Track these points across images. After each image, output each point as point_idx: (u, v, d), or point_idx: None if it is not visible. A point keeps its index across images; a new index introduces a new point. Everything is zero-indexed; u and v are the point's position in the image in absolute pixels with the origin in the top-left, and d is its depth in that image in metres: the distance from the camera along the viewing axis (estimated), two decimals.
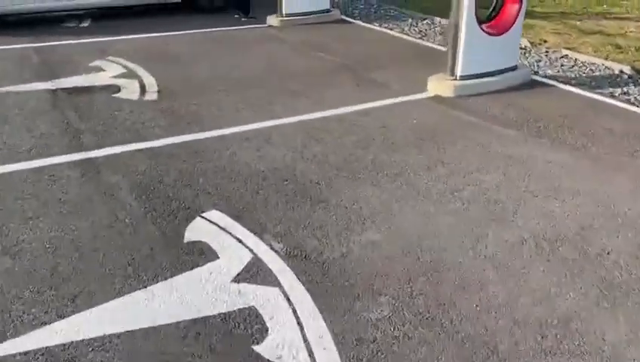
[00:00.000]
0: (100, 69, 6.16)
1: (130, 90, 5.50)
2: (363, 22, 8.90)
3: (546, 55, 7.10)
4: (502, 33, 5.65)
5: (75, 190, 3.64)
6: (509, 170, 4.00)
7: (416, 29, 8.48)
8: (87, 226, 3.24)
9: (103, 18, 8.73)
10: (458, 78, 5.55)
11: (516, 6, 5.68)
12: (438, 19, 8.97)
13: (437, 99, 5.45)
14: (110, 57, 6.60)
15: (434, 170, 3.98)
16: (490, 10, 5.78)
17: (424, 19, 9.10)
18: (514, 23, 5.69)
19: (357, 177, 3.87)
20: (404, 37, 8.00)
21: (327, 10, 8.91)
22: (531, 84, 5.93)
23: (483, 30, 5.49)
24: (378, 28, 8.54)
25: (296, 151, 4.25)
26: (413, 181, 3.83)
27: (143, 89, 5.56)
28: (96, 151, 4.20)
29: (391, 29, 8.43)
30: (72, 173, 3.87)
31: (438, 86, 5.59)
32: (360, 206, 3.51)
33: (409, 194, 3.65)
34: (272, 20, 8.57)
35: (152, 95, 5.41)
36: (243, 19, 8.87)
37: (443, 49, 7.30)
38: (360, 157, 4.18)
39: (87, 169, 3.93)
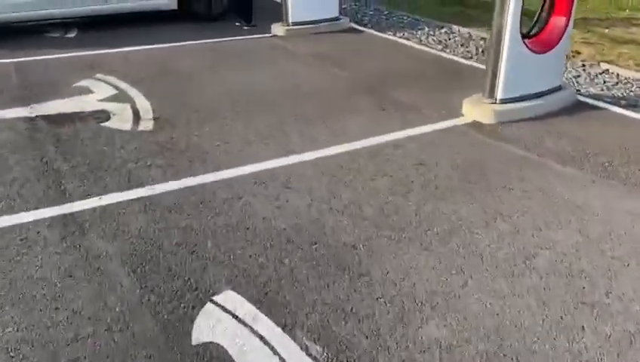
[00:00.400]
0: (87, 91, 5.41)
1: (121, 118, 4.76)
2: (375, 30, 8.18)
3: (584, 70, 6.40)
4: (547, 50, 4.94)
5: (52, 261, 2.90)
6: (584, 225, 3.29)
7: (434, 38, 7.77)
8: (65, 321, 2.50)
9: (91, 27, 7.97)
10: (498, 101, 4.84)
11: (563, 19, 4.97)
12: (456, 27, 8.26)
13: (476, 126, 4.74)
14: (99, 75, 5.85)
15: (494, 227, 3.26)
16: (533, 23, 5.08)
17: (441, 27, 8.38)
18: (560, 38, 4.98)
19: (401, 237, 3.15)
20: (424, 48, 7.28)
21: (337, 19, 8.18)
22: (577, 106, 5.22)
23: (527, 47, 4.78)
24: (393, 37, 7.82)
25: (322, 200, 3.52)
26: (471, 242, 3.11)
27: (136, 115, 4.82)
28: (80, 202, 3.46)
29: (407, 39, 7.71)
30: (49, 234, 3.13)
31: (476, 110, 4.88)
32: (412, 282, 2.79)
33: (471, 263, 2.93)
34: (278, 29, 7.83)
35: (147, 123, 4.67)
36: (245, 27, 8.13)
37: (469, 63, 6.61)
38: (400, 207, 3.46)
39: (69, 229, 3.19)
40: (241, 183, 3.73)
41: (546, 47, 4.95)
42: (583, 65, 6.55)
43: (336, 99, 5.34)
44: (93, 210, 3.38)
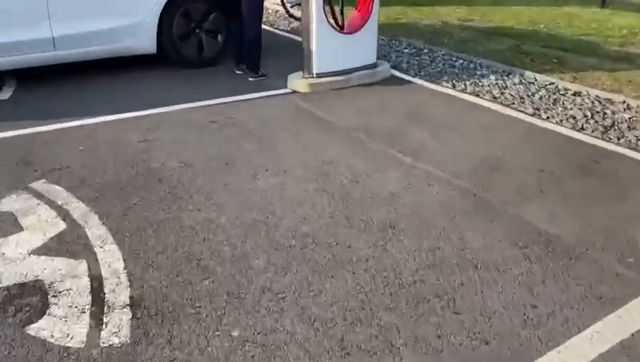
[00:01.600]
0: (9, 227, 3.16)
1: (69, 307, 2.53)
2: (426, 81, 6.08)
3: None
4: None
5: None
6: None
7: (510, 92, 5.70)
8: None
9: (37, 81, 5.67)
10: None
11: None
12: (530, 74, 6.23)
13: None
14: (37, 184, 3.61)
15: None
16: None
17: (508, 73, 6.34)
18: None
19: None
20: (510, 112, 5.19)
21: (374, 65, 6.06)
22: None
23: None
24: (454, 92, 5.73)
25: None
26: None
27: (98, 300, 2.59)
28: None
29: (476, 95, 5.63)
30: None
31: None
32: None
33: None
34: (297, 83, 5.67)
35: (116, 321, 2.45)
36: (251, 79, 5.93)
37: (595, 142, 4.53)
38: None
39: None
40: None
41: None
42: None
43: (448, 246, 3.16)
44: None
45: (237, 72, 6.14)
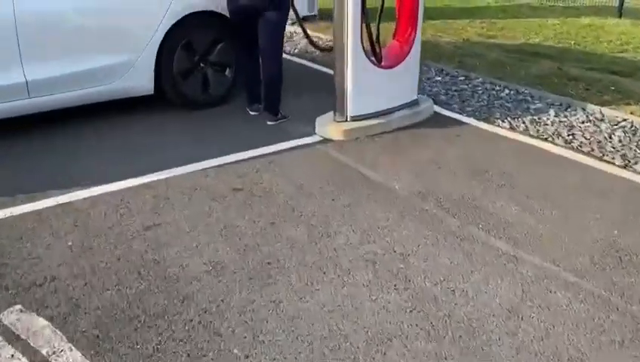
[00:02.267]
0: None
1: None
2: (476, 119, 5.12)
3: None
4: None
5: None
6: None
7: (585, 135, 4.77)
8: None
9: (12, 133, 4.53)
10: None
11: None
12: (594, 107, 5.33)
13: None
14: (9, 315, 2.54)
15: None
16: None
17: (567, 106, 5.43)
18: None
19: None
20: (598, 165, 4.25)
21: (415, 103, 5.09)
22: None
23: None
24: (517, 135, 4.78)
25: None
26: None
27: None
28: None
29: (545, 138, 4.70)
30: None
31: None
32: None
33: None
34: (329, 129, 4.65)
35: None
36: (270, 122, 4.90)
37: None
38: None
39: None
40: None
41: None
42: None
43: None
44: None
45: (251, 112, 5.11)
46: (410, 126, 4.88)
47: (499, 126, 4.99)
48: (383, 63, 4.73)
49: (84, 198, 3.58)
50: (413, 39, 4.82)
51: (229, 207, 3.53)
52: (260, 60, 4.76)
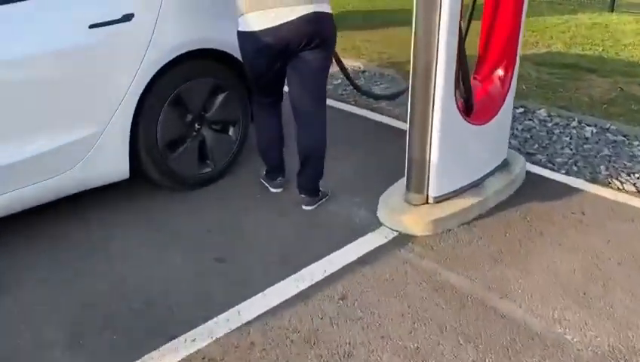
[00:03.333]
0: None
1: None
2: (585, 180, 3.71)
3: None
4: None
5: None
6: None
7: None
8: None
9: None
10: None
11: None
12: None
13: None
14: None
15: None
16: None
17: None
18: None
19: None
20: None
21: (506, 164, 3.61)
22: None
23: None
24: None
25: None
26: None
27: None
28: None
29: None
30: None
31: None
32: None
33: None
34: (403, 218, 3.08)
35: None
36: (308, 207, 3.28)
37: None
38: None
39: None
40: None
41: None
42: None
43: None
44: None
45: (272, 189, 3.48)
46: (515, 203, 3.41)
47: (619, 189, 3.60)
48: (473, 117, 3.23)
49: None
50: (510, 79, 3.34)
51: None
52: (295, 120, 3.14)
